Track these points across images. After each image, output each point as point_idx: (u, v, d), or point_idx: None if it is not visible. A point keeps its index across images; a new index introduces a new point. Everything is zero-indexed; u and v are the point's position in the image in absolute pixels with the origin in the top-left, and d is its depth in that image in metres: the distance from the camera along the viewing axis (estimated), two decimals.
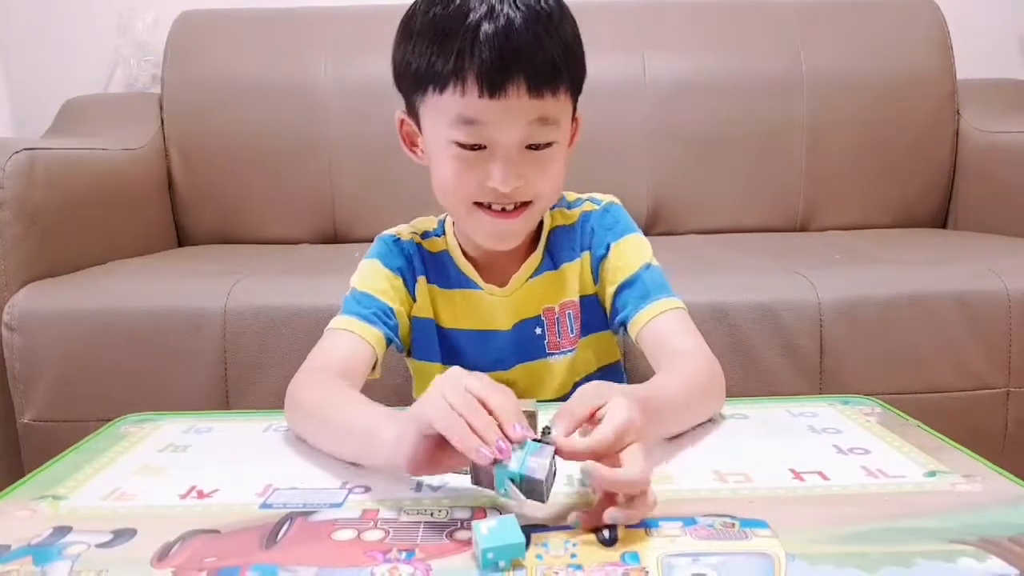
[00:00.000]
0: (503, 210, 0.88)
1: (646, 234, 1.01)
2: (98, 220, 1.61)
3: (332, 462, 0.74)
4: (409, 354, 1.03)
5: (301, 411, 0.82)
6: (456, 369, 0.65)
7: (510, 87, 0.80)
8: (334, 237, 1.96)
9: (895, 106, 1.96)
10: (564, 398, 0.98)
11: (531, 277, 0.98)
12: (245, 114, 1.94)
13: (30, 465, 0.85)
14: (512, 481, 0.58)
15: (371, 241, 1.01)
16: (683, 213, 1.95)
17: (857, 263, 1.49)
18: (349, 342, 0.89)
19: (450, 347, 1.00)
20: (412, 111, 0.90)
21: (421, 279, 0.99)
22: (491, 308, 0.99)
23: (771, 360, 1.30)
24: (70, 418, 1.31)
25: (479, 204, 0.88)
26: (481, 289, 0.99)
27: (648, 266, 0.96)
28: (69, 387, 1.32)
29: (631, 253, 0.97)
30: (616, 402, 0.62)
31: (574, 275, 0.99)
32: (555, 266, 0.99)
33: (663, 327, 0.90)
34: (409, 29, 0.86)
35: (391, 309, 0.94)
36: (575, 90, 0.88)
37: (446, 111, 0.83)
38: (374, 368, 0.92)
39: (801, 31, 2.00)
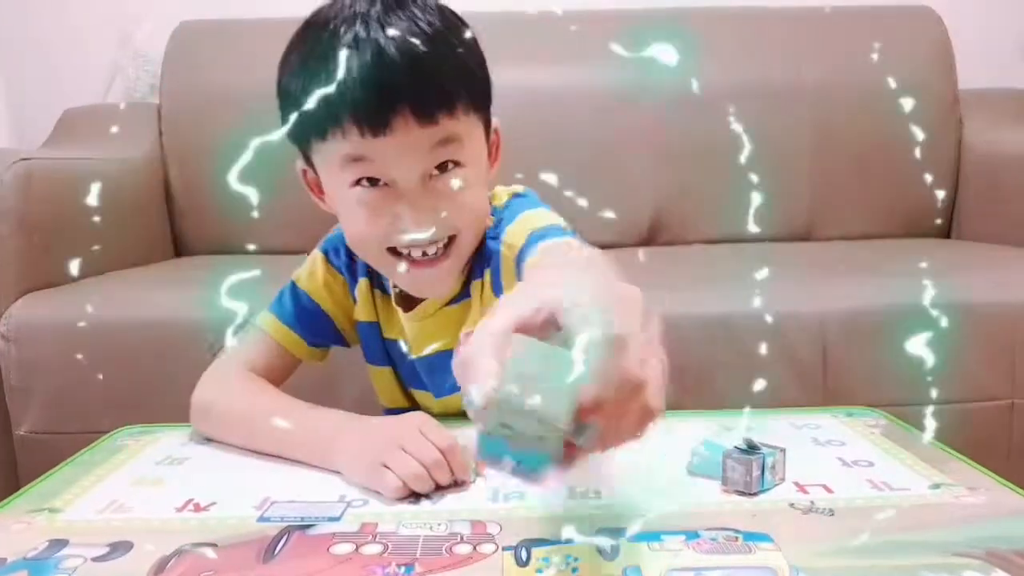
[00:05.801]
0: (424, 255, 0.78)
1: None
2: (96, 230, 1.60)
3: (331, 475, 0.73)
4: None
5: (224, 414, 0.80)
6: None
7: (395, 121, 0.71)
8: None
9: (898, 116, 1.96)
10: None
11: (448, 304, 0.87)
12: (244, 124, 1.93)
13: (26, 477, 0.84)
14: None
15: None
16: (685, 223, 1.94)
17: (860, 273, 1.48)
18: (267, 347, 0.87)
19: (394, 355, 0.93)
20: (308, 160, 0.82)
21: (363, 281, 0.90)
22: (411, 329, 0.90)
23: (774, 371, 1.29)
24: (67, 430, 1.30)
25: (395, 252, 0.79)
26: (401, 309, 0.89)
27: (536, 232, 0.76)
28: (66, 399, 1.32)
29: (519, 230, 0.80)
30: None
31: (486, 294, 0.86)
32: (470, 295, 0.87)
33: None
34: (283, 71, 0.80)
35: (322, 312, 0.90)
36: (480, 103, 0.79)
37: (335, 155, 0.76)
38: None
39: (803, 41, 2.00)
